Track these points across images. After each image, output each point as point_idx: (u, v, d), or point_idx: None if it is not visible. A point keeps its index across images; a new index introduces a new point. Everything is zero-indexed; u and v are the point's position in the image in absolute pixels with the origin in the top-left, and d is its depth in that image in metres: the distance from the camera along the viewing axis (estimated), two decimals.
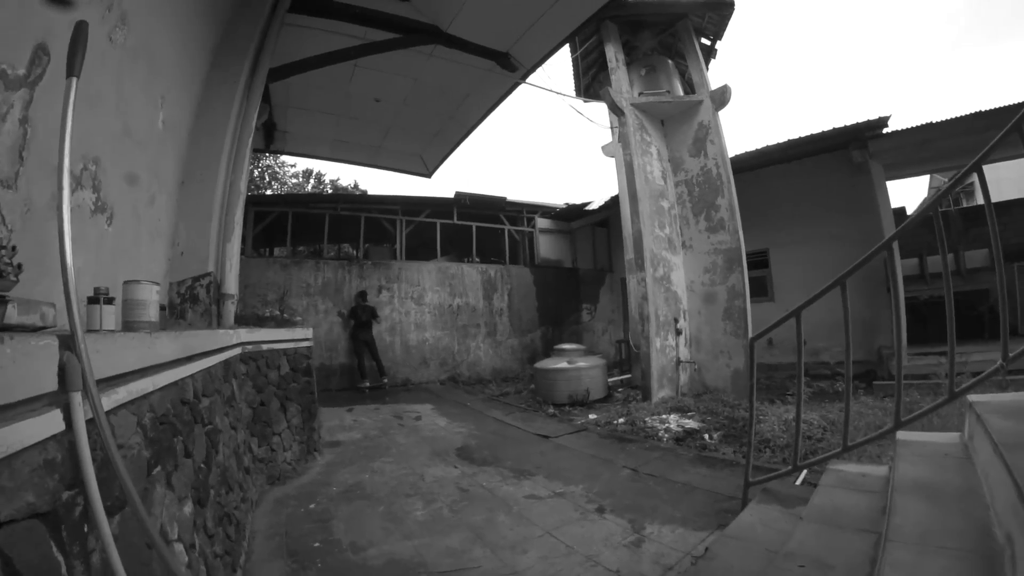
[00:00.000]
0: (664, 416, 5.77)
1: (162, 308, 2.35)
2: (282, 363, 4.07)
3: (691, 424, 5.37)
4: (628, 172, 7.62)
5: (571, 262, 13.42)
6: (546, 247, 13.06)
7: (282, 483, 3.81)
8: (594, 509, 3.22)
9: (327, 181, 22.06)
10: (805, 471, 3.33)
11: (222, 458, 2.59)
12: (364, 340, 9.33)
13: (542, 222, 13.09)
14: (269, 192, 17.96)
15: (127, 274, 3.44)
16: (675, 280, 7.72)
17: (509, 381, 10.12)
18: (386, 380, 9.42)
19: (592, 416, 6.36)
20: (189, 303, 3.88)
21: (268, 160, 19.75)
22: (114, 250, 3.12)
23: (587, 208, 12.54)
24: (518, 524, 3.05)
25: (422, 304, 10.77)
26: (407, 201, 11.19)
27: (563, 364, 7.52)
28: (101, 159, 2.88)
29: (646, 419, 5.68)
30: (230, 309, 4.10)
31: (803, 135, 7.90)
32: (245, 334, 3.60)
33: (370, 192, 16.58)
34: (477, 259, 12.00)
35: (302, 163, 22.29)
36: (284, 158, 20.47)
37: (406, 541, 2.84)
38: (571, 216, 13.27)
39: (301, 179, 21.42)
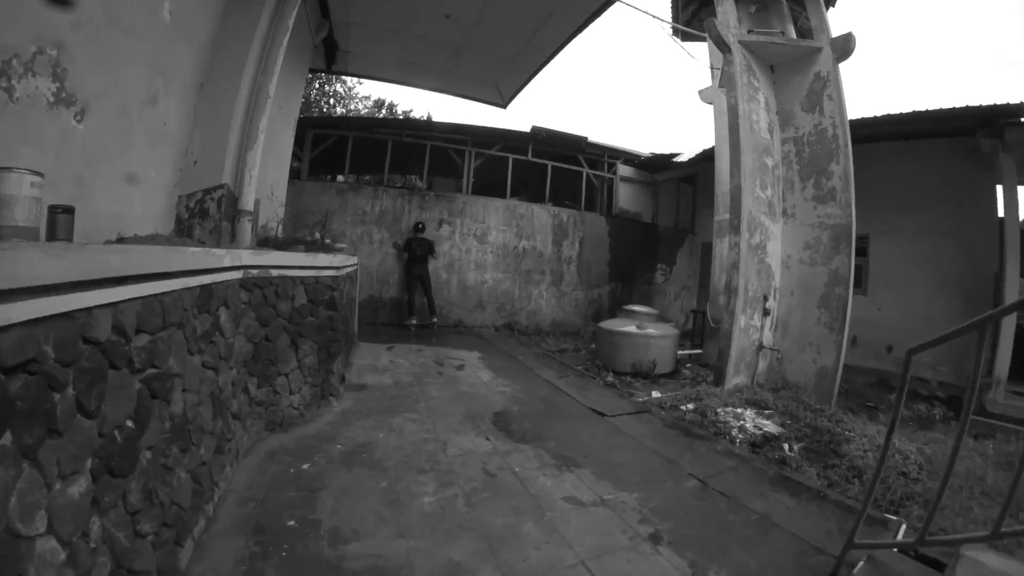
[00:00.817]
0: (739, 410, 4.83)
1: (64, 211, 1.74)
2: (297, 293, 3.48)
3: (769, 427, 4.43)
4: (731, 117, 6.31)
5: (651, 217, 12.14)
6: (625, 197, 11.82)
7: (283, 430, 3.34)
8: (648, 535, 2.46)
9: (399, 113, 21.13)
10: (903, 526, 2.64)
11: (180, 408, 2.06)
12: (418, 275, 8.85)
13: (624, 169, 11.79)
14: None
15: (105, 181, 2.94)
16: (770, 251, 6.50)
17: (569, 336, 9.40)
18: (436, 320, 8.97)
19: (656, 394, 5.52)
20: (197, 218, 3.37)
21: (336, 86, 18.74)
22: (87, 151, 2.62)
23: (675, 159, 11.10)
24: (548, 540, 2.36)
25: (485, 243, 10.09)
26: (478, 132, 10.28)
27: (631, 328, 6.66)
28: (65, 44, 2.39)
29: (718, 410, 4.78)
30: (246, 227, 3.55)
31: (927, 109, 6.55)
32: (248, 256, 3.01)
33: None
34: (550, 203, 11.04)
35: (374, 94, 21.49)
36: (356, 88, 19.51)
37: (399, 539, 2.24)
38: (656, 167, 11.85)
39: (372, 108, 20.53)
